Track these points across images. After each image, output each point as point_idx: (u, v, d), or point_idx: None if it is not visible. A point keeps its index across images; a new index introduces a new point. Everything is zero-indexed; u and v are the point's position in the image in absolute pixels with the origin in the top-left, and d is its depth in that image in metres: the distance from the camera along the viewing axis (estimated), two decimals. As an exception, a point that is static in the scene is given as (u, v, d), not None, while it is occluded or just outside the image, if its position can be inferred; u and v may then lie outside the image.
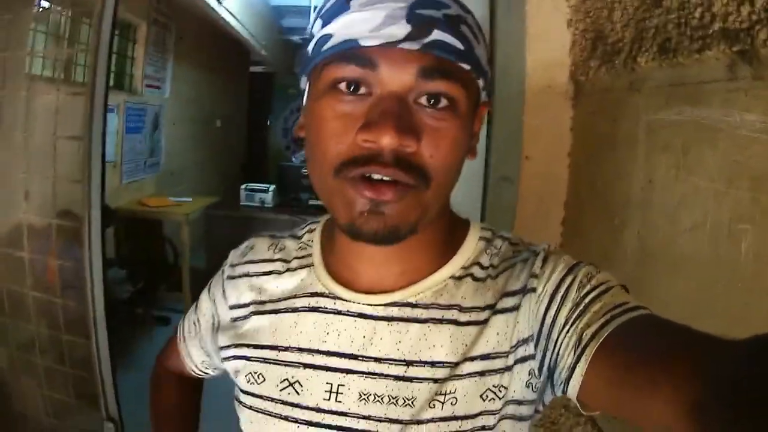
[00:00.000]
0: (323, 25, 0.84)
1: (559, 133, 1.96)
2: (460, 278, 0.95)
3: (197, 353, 1.24)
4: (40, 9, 3.17)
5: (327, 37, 0.82)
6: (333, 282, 0.98)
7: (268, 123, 13.02)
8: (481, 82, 0.88)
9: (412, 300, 0.93)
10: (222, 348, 1.08)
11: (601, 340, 0.74)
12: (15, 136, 3.05)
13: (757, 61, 1.10)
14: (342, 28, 0.80)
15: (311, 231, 1.11)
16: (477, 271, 0.95)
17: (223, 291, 1.13)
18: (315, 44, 0.86)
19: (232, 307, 1.09)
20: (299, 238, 1.12)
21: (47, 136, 3.00)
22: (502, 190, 2.12)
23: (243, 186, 6.85)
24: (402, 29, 0.77)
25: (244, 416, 1.01)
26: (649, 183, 1.50)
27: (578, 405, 0.79)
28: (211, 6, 6.80)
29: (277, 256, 1.09)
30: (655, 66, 1.46)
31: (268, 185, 6.97)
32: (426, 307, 0.92)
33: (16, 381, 3.34)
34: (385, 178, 0.79)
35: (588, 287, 0.83)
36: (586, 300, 0.81)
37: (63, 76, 3.15)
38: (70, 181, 2.98)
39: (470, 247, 0.98)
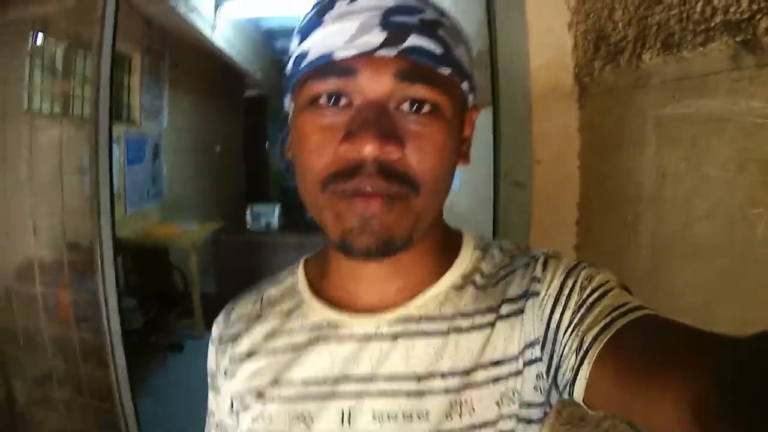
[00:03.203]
0: (300, 42, 0.86)
1: (567, 135, 1.99)
2: (461, 287, 0.94)
3: None
4: (33, 44, 3.19)
5: (304, 54, 0.84)
6: (331, 310, 0.97)
7: (266, 145, 13.07)
8: (465, 85, 0.89)
9: (415, 314, 0.92)
10: (231, 408, 1.05)
11: (603, 343, 0.75)
12: (20, 171, 3.08)
13: (760, 50, 1.15)
14: (317, 43, 0.82)
15: (293, 273, 1.10)
16: (478, 279, 0.95)
17: (218, 361, 1.08)
18: (293, 63, 0.88)
19: (231, 361, 1.04)
20: (282, 281, 1.10)
21: (52, 170, 3.03)
22: (515, 195, 2.15)
23: (248, 209, 6.84)
24: (377, 37, 0.78)
25: None
26: (661, 177, 1.53)
27: (585, 406, 0.79)
28: (205, 33, 6.87)
29: (262, 302, 1.07)
30: (659, 62, 1.50)
31: (273, 206, 6.97)
32: (431, 319, 0.91)
33: (36, 415, 3.36)
34: (373, 192, 0.79)
35: (589, 289, 0.83)
36: (588, 302, 0.82)
37: (64, 110, 3.17)
38: (79, 214, 3.01)
39: (467, 256, 0.99)
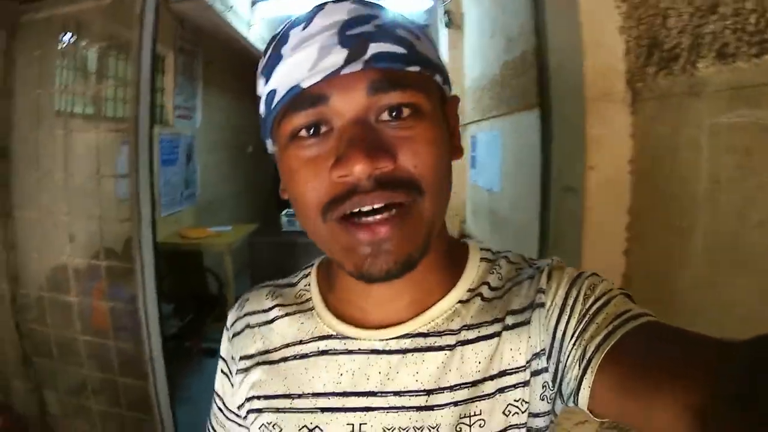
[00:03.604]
0: (265, 83, 0.88)
1: (620, 141, 2.04)
2: (468, 301, 0.97)
3: None
4: (65, 44, 3.22)
5: (272, 93, 0.86)
6: (339, 322, 0.99)
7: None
8: (438, 78, 0.89)
9: (424, 330, 0.94)
10: (239, 407, 1.07)
11: (605, 352, 0.77)
12: (54, 175, 3.11)
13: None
14: (283, 78, 0.83)
15: (306, 276, 1.12)
16: (485, 291, 0.97)
17: (231, 351, 1.12)
18: (265, 104, 0.89)
19: (241, 359, 1.07)
20: (295, 285, 1.12)
21: (88, 174, 3.07)
22: (567, 201, 2.20)
23: (283, 212, 6.79)
24: (339, 56, 0.79)
25: None
26: (714, 184, 1.58)
27: (589, 414, 0.81)
28: (239, 31, 6.93)
29: (275, 303, 1.09)
30: (714, 71, 1.55)
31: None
32: (439, 334, 0.93)
33: (70, 425, 3.42)
34: (375, 207, 0.79)
35: (592, 298, 0.86)
36: (591, 311, 0.84)
37: (99, 112, 3.22)
38: (116, 219, 3.04)
39: (473, 269, 1.01)
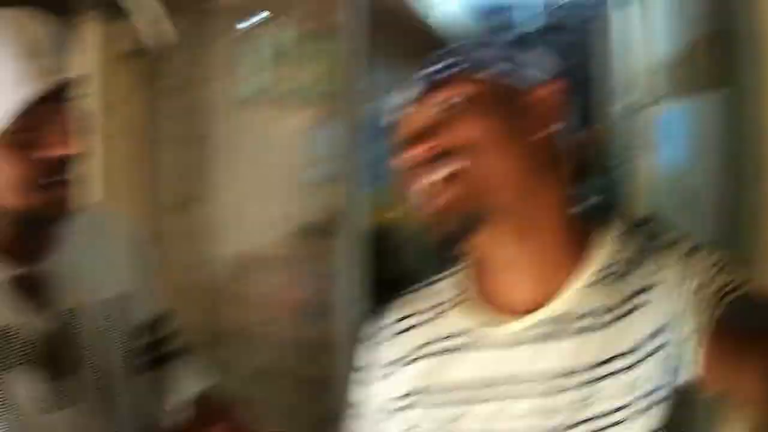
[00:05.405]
0: None
1: None
2: (601, 280, 0.97)
3: None
4: (256, 27, 3.24)
5: None
6: (482, 314, 1.01)
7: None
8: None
9: (558, 314, 0.95)
10: (393, 400, 1.08)
11: (713, 326, 0.81)
12: (252, 161, 3.15)
13: None
14: None
15: (461, 270, 1.12)
16: (616, 268, 0.97)
17: (390, 352, 1.12)
18: None
19: (401, 358, 1.08)
20: (457, 274, 1.12)
21: (288, 159, 3.13)
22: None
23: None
24: None
25: None
26: None
27: (697, 386, 0.87)
28: (426, 13, 6.98)
29: (435, 302, 1.10)
30: None
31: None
32: (573, 319, 0.94)
33: (248, 413, 3.34)
34: None
35: (711, 271, 0.89)
36: (705, 283, 0.87)
37: (295, 96, 3.19)
38: (322, 203, 3.06)
39: (606, 245, 1.00)
